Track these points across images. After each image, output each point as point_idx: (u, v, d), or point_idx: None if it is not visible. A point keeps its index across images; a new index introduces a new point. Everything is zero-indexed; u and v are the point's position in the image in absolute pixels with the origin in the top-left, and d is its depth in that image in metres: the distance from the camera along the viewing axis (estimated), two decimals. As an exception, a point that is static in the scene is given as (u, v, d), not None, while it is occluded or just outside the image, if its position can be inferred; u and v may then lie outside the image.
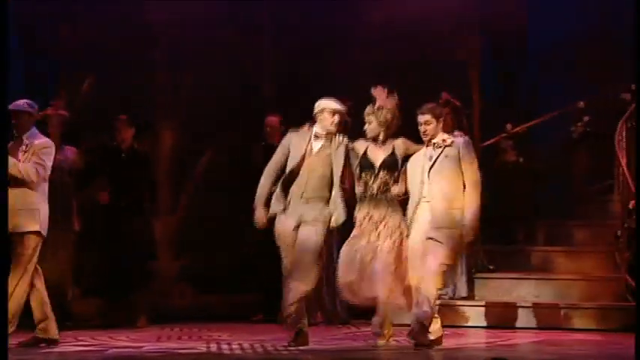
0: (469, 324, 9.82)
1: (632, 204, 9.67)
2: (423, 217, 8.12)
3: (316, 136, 8.34)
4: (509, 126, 11.16)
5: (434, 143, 8.17)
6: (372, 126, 8.29)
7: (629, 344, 8.42)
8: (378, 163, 8.26)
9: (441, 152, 8.13)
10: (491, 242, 10.58)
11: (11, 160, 8.15)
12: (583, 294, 9.99)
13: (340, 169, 8.24)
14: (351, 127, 9.40)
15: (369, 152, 8.31)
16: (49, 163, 8.35)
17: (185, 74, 11.59)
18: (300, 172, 8.26)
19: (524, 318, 9.74)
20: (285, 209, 8.22)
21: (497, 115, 11.43)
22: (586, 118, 11.09)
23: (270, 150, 10.40)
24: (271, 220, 8.29)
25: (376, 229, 8.18)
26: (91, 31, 11.13)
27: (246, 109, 11.61)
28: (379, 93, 8.29)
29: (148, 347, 8.42)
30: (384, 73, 11.00)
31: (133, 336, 9.11)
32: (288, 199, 8.23)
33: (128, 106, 10.53)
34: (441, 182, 8.08)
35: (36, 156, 8.29)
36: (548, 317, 9.72)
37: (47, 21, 11.10)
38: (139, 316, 10.10)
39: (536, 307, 9.80)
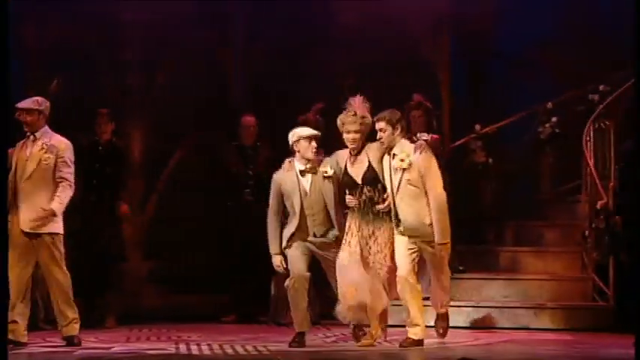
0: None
1: (600, 204, 9.73)
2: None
3: (302, 173, 8.31)
4: (478, 127, 11.18)
5: (393, 162, 8.05)
6: (355, 136, 8.15)
7: (597, 343, 8.52)
8: (359, 179, 8.19)
9: (402, 176, 8.02)
10: (461, 243, 10.58)
11: (54, 206, 8.16)
12: (551, 294, 10.03)
13: (333, 203, 8.27)
14: (324, 125, 9.45)
15: (349, 169, 8.23)
16: (73, 166, 8.38)
17: (157, 74, 11.54)
18: (302, 214, 8.26)
19: (493, 318, 9.78)
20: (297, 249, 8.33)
21: (466, 115, 11.47)
22: (554, 119, 11.15)
23: (243, 150, 10.42)
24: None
25: (367, 244, 8.17)
26: (60, 31, 11.05)
27: (218, 109, 11.58)
28: (358, 102, 8.21)
29: (117, 348, 8.40)
30: (356, 74, 11.03)
31: (102, 336, 9.07)
32: (297, 239, 8.31)
33: (99, 106, 10.45)
34: (408, 206, 8.03)
35: (63, 164, 8.28)
36: (516, 317, 9.77)
37: (15, 21, 11.00)
38: (107, 317, 10.05)
39: (505, 307, 9.84)
